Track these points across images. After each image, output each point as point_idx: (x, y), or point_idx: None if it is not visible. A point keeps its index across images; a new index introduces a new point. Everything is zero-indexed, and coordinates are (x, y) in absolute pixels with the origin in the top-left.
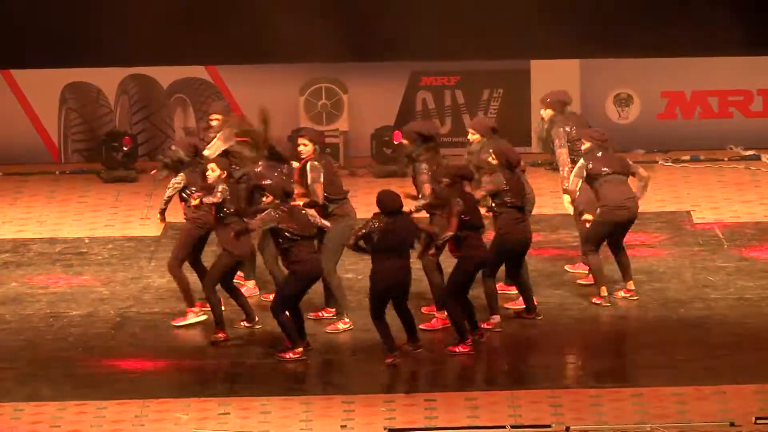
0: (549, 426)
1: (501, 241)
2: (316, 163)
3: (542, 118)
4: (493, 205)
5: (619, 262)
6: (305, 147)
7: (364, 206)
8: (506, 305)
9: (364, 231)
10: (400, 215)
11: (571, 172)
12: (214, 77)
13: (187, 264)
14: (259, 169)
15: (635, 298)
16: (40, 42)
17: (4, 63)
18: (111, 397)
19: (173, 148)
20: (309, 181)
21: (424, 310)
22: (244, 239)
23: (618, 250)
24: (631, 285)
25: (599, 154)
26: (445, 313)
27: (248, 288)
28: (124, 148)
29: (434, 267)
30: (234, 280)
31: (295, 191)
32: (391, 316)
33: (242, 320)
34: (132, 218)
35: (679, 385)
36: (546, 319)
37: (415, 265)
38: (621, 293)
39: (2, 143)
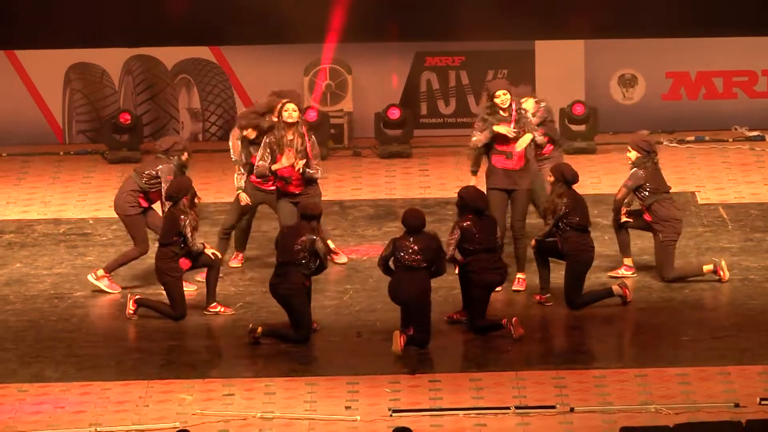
0: (554, 407)
1: (570, 265)
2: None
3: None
4: (560, 224)
5: (621, 239)
6: (296, 112)
7: (368, 187)
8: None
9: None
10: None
11: None
12: (218, 58)
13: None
14: None
15: (635, 275)
16: (44, 22)
17: (8, 44)
18: (115, 378)
19: None
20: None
21: (455, 316)
22: None
23: (621, 227)
24: (630, 261)
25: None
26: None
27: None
28: (123, 123)
29: None
30: None
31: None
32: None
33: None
34: None
35: (683, 366)
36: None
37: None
38: (621, 270)
39: (7, 124)
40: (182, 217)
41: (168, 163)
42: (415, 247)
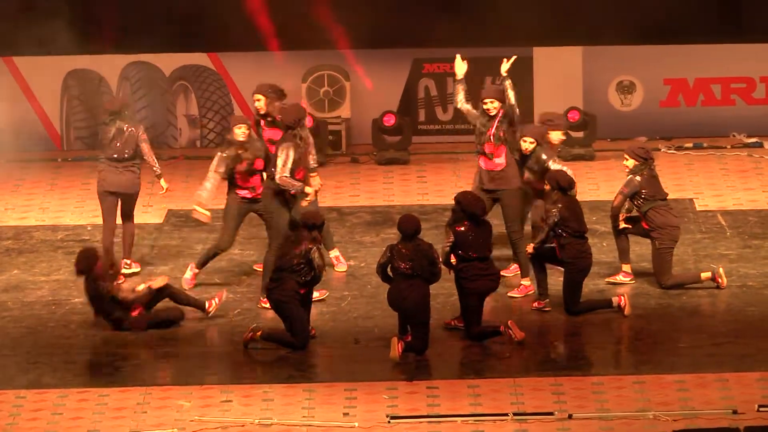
0: (552, 414)
1: (568, 272)
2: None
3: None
4: (560, 232)
5: (620, 245)
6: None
7: (366, 193)
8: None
9: (383, 261)
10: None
11: None
12: (216, 64)
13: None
14: None
15: (633, 281)
16: (42, 29)
17: (6, 50)
18: (113, 384)
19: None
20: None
21: (453, 323)
22: None
23: (620, 233)
24: (628, 268)
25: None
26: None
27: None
28: None
29: None
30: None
31: None
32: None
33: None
34: None
35: (681, 373)
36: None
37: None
38: (619, 276)
39: (5, 130)
40: (101, 285)
41: (130, 125)
42: (407, 253)
